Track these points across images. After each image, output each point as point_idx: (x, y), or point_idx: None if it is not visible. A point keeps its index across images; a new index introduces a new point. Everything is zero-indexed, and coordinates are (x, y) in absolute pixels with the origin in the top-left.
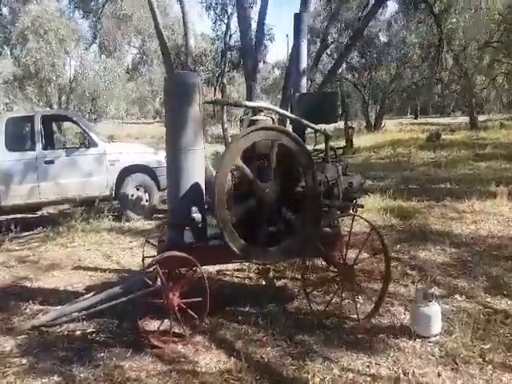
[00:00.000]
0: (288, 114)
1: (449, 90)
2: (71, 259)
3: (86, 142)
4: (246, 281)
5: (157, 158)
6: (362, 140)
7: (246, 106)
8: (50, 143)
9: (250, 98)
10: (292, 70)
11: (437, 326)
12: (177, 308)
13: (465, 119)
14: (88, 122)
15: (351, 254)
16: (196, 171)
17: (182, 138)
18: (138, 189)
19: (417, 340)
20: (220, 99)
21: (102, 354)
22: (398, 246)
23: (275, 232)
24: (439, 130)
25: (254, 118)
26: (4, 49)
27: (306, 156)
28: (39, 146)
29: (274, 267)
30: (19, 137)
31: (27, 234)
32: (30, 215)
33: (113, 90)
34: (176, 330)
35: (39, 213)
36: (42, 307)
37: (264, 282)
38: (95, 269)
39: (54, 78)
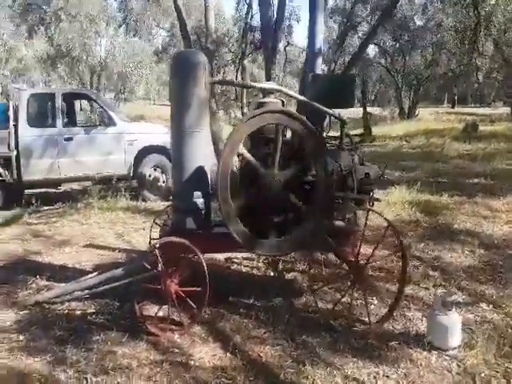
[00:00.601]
0: (298, 96)
1: (489, 78)
2: (84, 236)
3: (105, 121)
4: (254, 271)
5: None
6: (393, 128)
7: (251, 86)
8: (70, 120)
9: (268, 80)
10: (308, 48)
11: (456, 338)
12: (175, 296)
13: (506, 110)
14: (109, 101)
15: (368, 251)
16: (200, 154)
17: (185, 118)
18: (155, 169)
19: (432, 352)
20: (226, 79)
21: (98, 337)
22: (422, 245)
23: (282, 223)
24: (477, 121)
25: (263, 100)
26: (39, 28)
27: (317, 142)
28: (59, 122)
29: (285, 259)
30: (40, 113)
31: (47, 208)
32: (53, 190)
33: (142, 71)
34: (176, 318)
35: (62, 188)
36: (47, 283)
37: (272, 274)
38: (106, 247)
39: (85, 58)
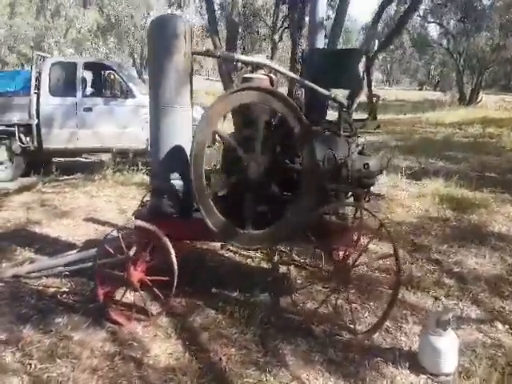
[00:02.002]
0: (289, 73)
1: None
2: (89, 209)
3: (125, 93)
4: (249, 261)
5: (193, 114)
6: (449, 114)
7: (237, 59)
8: (90, 91)
9: (294, 55)
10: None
11: (449, 363)
12: (138, 284)
13: None
14: (131, 74)
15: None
16: (179, 132)
17: (163, 92)
18: None
19: (421, 376)
20: (209, 50)
21: (60, 320)
22: (444, 246)
23: (264, 213)
24: None
25: (248, 75)
26: None
27: (303, 126)
28: (79, 92)
29: (285, 250)
30: (62, 82)
31: (63, 178)
32: (72, 160)
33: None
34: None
35: (92, 158)
36: (34, 255)
37: (267, 266)
38: (104, 223)
39: (133, 30)
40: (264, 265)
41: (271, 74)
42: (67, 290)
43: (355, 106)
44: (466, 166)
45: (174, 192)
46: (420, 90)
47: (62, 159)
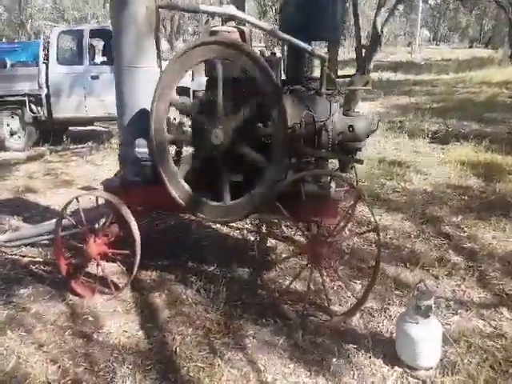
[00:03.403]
0: (261, 23)
1: None
2: (88, 178)
3: None
4: (236, 233)
5: (200, 80)
6: (497, 72)
7: (202, 11)
8: (97, 59)
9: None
10: None
11: (429, 356)
12: (99, 256)
13: None
14: None
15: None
16: (143, 95)
17: (124, 51)
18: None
19: (396, 369)
20: (172, 3)
21: (25, 290)
22: (459, 218)
23: (234, 183)
24: None
25: (215, 28)
26: None
27: (272, 84)
28: (86, 60)
29: (274, 221)
30: (69, 51)
31: (73, 147)
32: (83, 129)
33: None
34: (115, 280)
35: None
36: (21, 224)
37: (253, 238)
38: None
39: None
40: (252, 237)
41: (243, 27)
42: (41, 259)
43: (371, 65)
44: (503, 129)
45: (140, 160)
46: (470, 47)
47: (76, 128)
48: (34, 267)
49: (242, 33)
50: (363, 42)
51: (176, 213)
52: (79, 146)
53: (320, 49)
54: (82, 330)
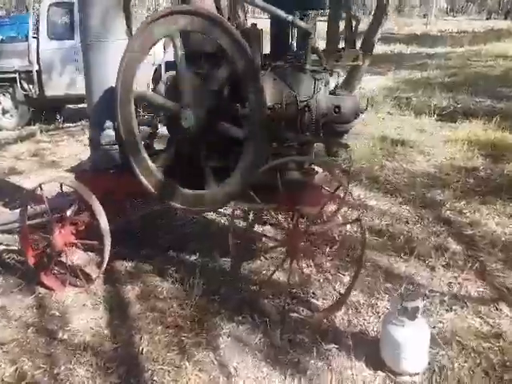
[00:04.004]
0: None
1: None
2: (76, 159)
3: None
4: (223, 219)
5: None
6: None
7: None
8: None
9: None
10: None
11: (415, 361)
12: (65, 246)
13: None
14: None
15: None
16: (111, 72)
17: (91, 24)
18: None
19: (378, 373)
20: None
21: None
22: (462, 203)
23: (208, 169)
24: None
25: None
26: None
27: (245, 58)
28: (77, 35)
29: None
30: (59, 25)
31: (66, 126)
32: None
33: None
34: (89, 271)
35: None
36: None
37: (241, 225)
38: None
39: None
40: (239, 224)
41: None
42: (17, 248)
43: (376, 38)
44: None
45: (109, 143)
46: (488, 19)
47: (76, 106)
48: (6, 256)
49: (217, 2)
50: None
51: (140, 197)
52: (72, 125)
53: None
54: (47, 328)
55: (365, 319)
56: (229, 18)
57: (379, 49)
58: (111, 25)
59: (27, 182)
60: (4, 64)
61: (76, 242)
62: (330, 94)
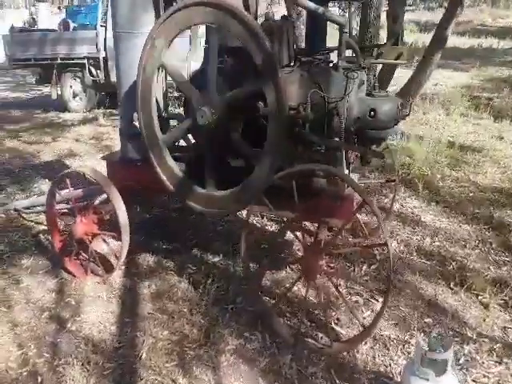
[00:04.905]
0: None
1: None
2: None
3: None
4: (257, 219)
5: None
6: None
7: None
8: None
9: None
10: None
11: None
12: (86, 236)
13: None
14: None
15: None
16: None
17: (120, 14)
18: None
19: None
20: None
21: (25, 261)
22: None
23: (228, 171)
24: None
25: None
26: None
27: (263, 53)
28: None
29: None
30: None
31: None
32: None
33: None
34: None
35: None
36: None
37: (274, 229)
38: None
39: None
40: (272, 228)
41: None
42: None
43: (449, 30)
44: None
45: (137, 135)
46: None
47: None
48: (43, 237)
49: None
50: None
51: (162, 193)
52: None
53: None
54: (60, 315)
55: (392, 359)
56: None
57: (464, 42)
58: (139, 16)
59: (80, 165)
60: (76, 50)
61: (97, 232)
62: (367, 94)
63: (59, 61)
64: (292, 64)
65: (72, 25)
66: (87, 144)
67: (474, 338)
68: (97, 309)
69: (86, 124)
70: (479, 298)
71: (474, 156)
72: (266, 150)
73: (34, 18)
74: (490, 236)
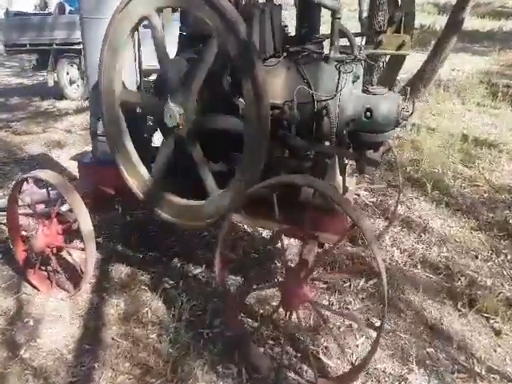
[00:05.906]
0: None
1: None
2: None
3: None
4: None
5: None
6: None
7: None
8: None
9: None
10: None
11: None
12: (47, 249)
13: None
14: None
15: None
16: None
17: None
18: None
19: None
20: None
21: None
22: None
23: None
24: None
25: None
26: None
27: (238, 42)
28: None
29: None
30: None
31: None
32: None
33: None
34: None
35: None
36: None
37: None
38: None
39: None
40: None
41: None
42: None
43: (465, 14)
44: None
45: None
46: None
47: (148, 78)
48: (4, 245)
49: None
50: None
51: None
52: None
53: None
54: (15, 339)
55: None
56: None
57: (484, 25)
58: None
59: (66, 158)
60: (72, 35)
61: (60, 244)
62: (362, 92)
63: (55, 46)
64: (278, 55)
65: (68, 8)
66: (78, 135)
67: (483, 373)
68: (56, 332)
69: (80, 113)
70: (490, 321)
71: (490, 151)
72: (245, 156)
73: (45, 2)
74: (506, 246)
